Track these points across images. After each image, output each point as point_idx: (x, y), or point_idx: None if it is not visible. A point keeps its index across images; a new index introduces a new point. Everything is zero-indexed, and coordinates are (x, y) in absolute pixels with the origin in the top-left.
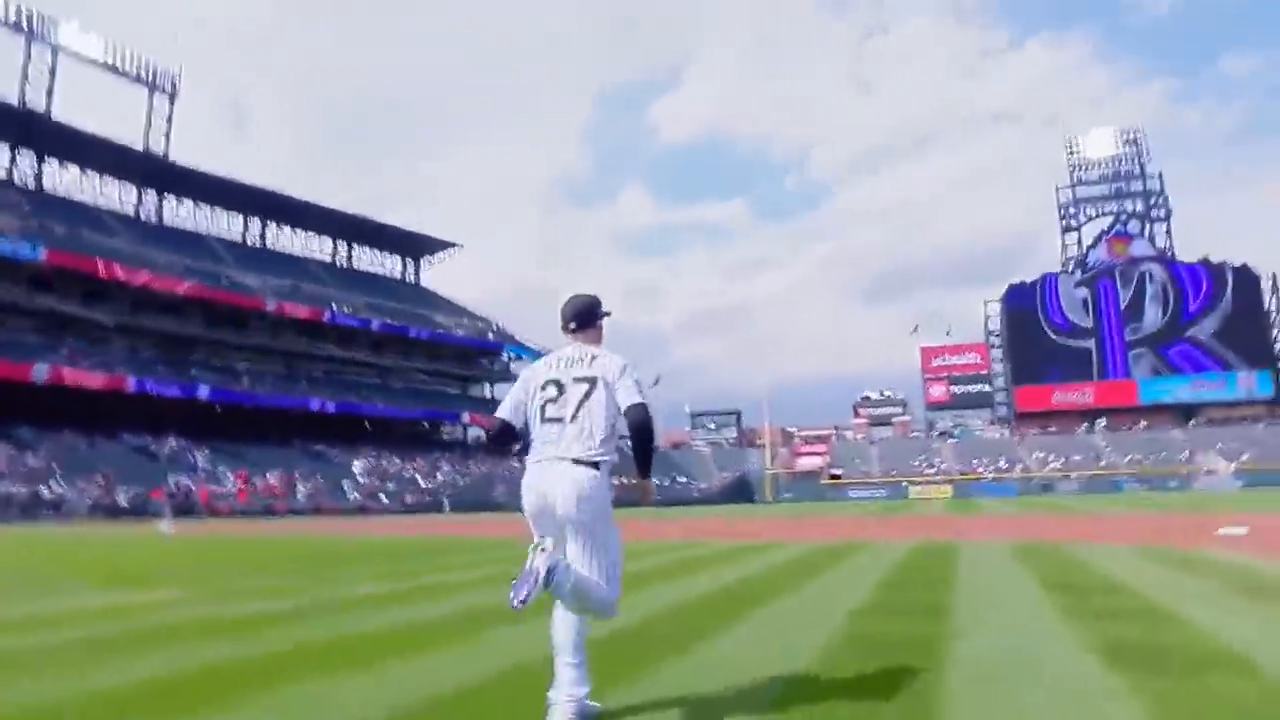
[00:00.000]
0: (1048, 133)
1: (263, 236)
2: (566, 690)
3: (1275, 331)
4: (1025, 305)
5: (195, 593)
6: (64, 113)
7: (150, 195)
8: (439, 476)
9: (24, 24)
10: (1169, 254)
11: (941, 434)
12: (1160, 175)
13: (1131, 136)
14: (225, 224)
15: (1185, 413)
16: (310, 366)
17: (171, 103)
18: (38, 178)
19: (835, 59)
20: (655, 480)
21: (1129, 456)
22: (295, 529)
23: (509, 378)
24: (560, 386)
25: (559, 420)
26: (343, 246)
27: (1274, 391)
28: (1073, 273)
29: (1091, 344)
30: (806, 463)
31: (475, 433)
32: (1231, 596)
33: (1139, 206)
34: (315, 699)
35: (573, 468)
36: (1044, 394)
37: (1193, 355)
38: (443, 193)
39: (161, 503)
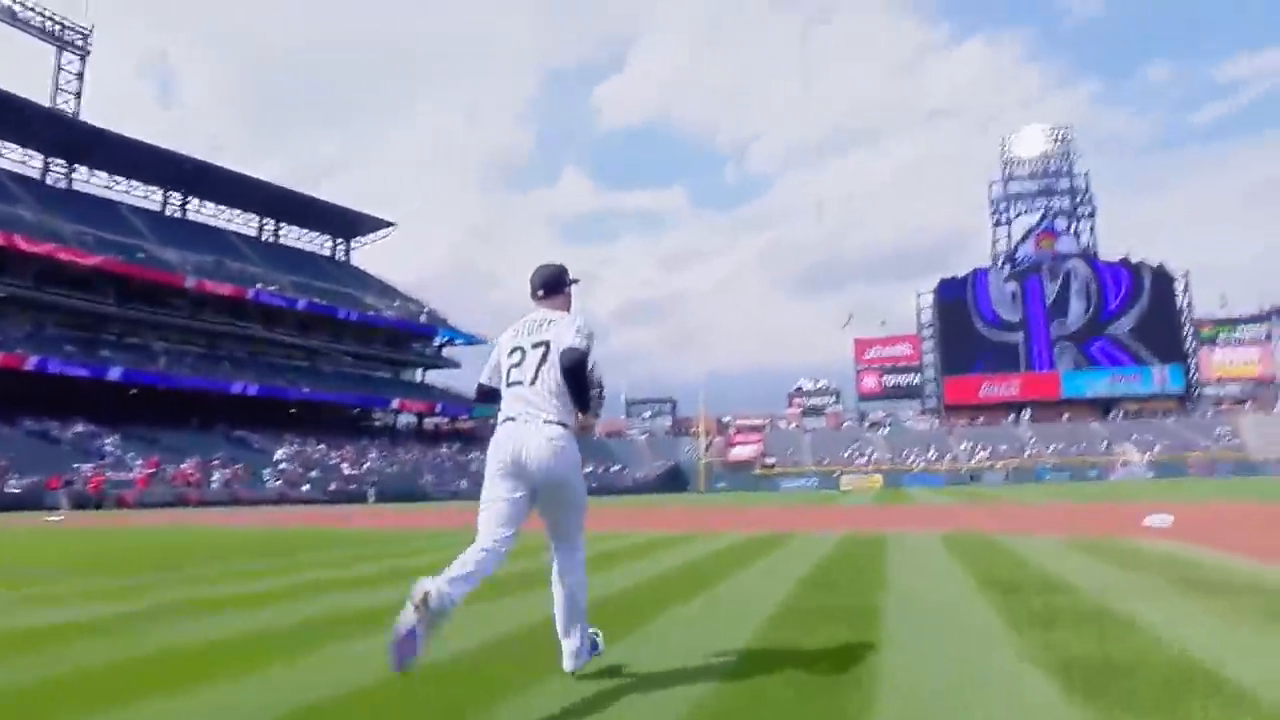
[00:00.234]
0: (982, 130)
1: (184, 208)
2: (575, 646)
3: (1187, 329)
4: (956, 298)
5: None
6: None
7: (60, 162)
8: (366, 464)
9: None
10: (1093, 251)
11: (873, 425)
12: (1086, 174)
13: (1061, 135)
14: (143, 194)
15: (1104, 406)
16: (233, 347)
17: (83, 61)
18: None
19: (780, 50)
20: (589, 468)
21: (1052, 447)
22: (190, 519)
23: (442, 363)
24: (522, 352)
25: (520, 383)
26: (270, 222)
27: (1184, 386)
28: (1002, 268)
29: (1019, 338)
30: (740, 452)
31: (407, 419)
32: (1179, 595)
33: (1066, 204)
34: None
35: (544, 427)
36: (972, 385)
37: (1111, 351)
38: (376, 171)
39: (58, 492)
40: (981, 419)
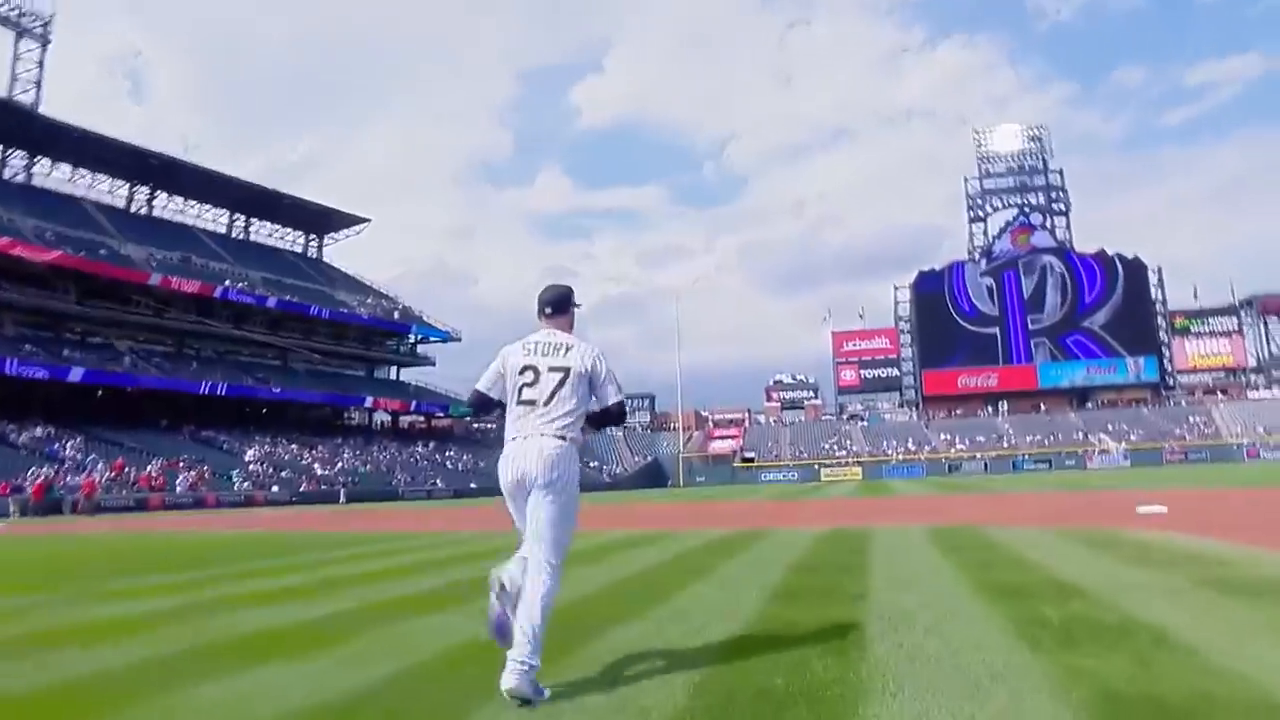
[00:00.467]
0: (957, 131)
1: (150, 204)
2: (521, 656)
3: (1160, 320)
4: (934, 291)
5: None
6: None
7: (19, 154)
8: (339, 464)
9: None
10: (1068, 245)
11: (852, 417)
12: (1061, 171)
13: (1036, 133)
14: (108, 189)
15: (1080, 396)
16: (201, 346)
17: (43, 49)
18: None
19: (759, 50)
20: None
21: (1029, 437)
22: (140, 525)
23: (416, 360)
24: (536, 372)
25: (533, 403)
26: (240, 218)
27: (1158, 376)
28: (979, 262)
29: (996, 331)
30: (720, 446)
31: (381, 417)
32: (1209, 599)
33: (1041, 200)
34: None
35: (544, 440)
36: (950, 378)
37: (1086, 344)
38: (351, 167)
39: (6, 498)
40: (959, 411)
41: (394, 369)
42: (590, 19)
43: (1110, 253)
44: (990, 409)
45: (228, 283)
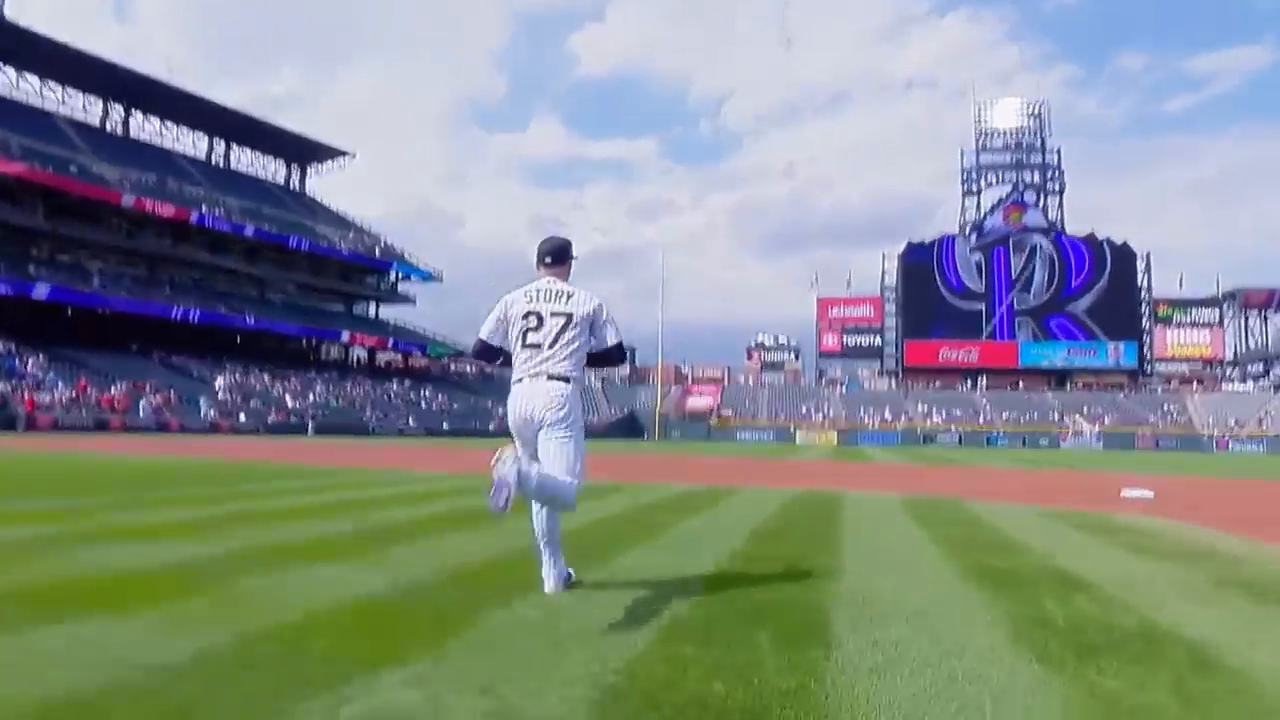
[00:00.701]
0: (957, 103)
1: (125, 124)
2: (551, 566)
3: (1144, 307)
4: (922, 263)
5: None
6: None
7: None
8: (311, 397)
9: None
10: (1059, 226)
11: (831, 382)
12: (1059, 151)
13: (1036, 110)
14: (81, 105)
15: (1059, 377)
16: (175, 271)
17: None
18: None
19: (763, 7)
20: None
21: (1006, 414)
22: (81, 446)
23: (396, 297)
24: (540, 318)
25: (538, 346)
26: (220, 144)
27: (1137, 363)
28: (969, 237)
29: (982, 307)
30: (697, 402)
31: (358, 353)
32: (1246, 605)
33: (1036, 178)
34: None
35: (548, 382)
36: (932, 350)
37: (1069, 328)
38: (339, 100)
39: None
40: (939, 383)
41: (373, 305)
42: None
43: (1100, 237)
44: (969, 384)
45: (205, 208)
